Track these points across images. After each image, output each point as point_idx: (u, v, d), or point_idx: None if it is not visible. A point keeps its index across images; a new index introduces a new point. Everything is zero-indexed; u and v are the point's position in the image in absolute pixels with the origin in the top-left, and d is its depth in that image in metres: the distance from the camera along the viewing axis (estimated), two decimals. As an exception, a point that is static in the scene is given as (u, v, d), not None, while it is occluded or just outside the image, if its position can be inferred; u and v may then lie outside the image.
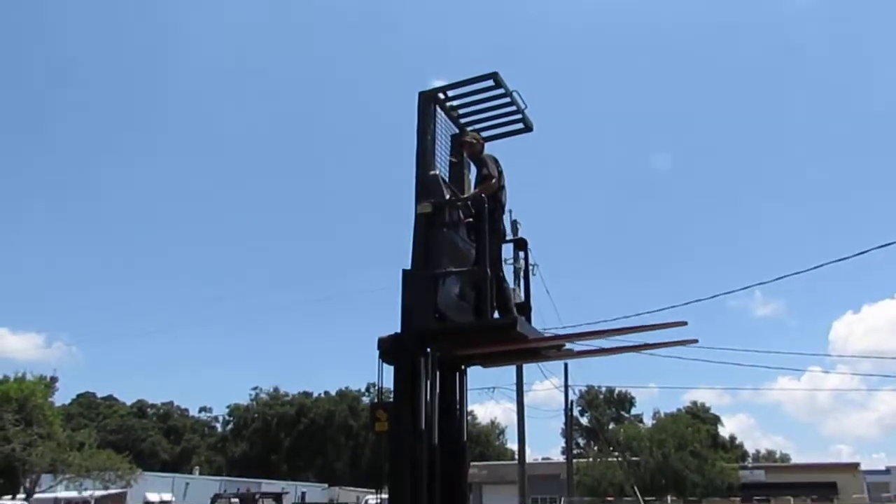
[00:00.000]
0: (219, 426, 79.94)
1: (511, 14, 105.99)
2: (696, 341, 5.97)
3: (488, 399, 52.22)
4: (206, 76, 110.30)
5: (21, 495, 28.84)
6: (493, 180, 5.71)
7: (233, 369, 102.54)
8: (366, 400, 68.78)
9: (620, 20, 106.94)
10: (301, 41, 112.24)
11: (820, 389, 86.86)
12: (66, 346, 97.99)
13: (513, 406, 28.01)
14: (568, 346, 6.17)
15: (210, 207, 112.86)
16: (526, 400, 26.73)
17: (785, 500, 33.19)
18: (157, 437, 69.70)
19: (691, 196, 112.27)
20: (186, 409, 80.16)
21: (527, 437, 27.93)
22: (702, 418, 47.57)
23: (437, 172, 5.66)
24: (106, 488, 33.53)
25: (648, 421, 45.43)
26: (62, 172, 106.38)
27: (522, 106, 6.20)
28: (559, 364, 35.75)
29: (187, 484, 46.58)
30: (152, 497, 41.10)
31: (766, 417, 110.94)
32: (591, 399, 50.18)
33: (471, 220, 5.52)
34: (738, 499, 39.86)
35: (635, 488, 30.94)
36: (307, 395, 75.31)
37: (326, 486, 56.52)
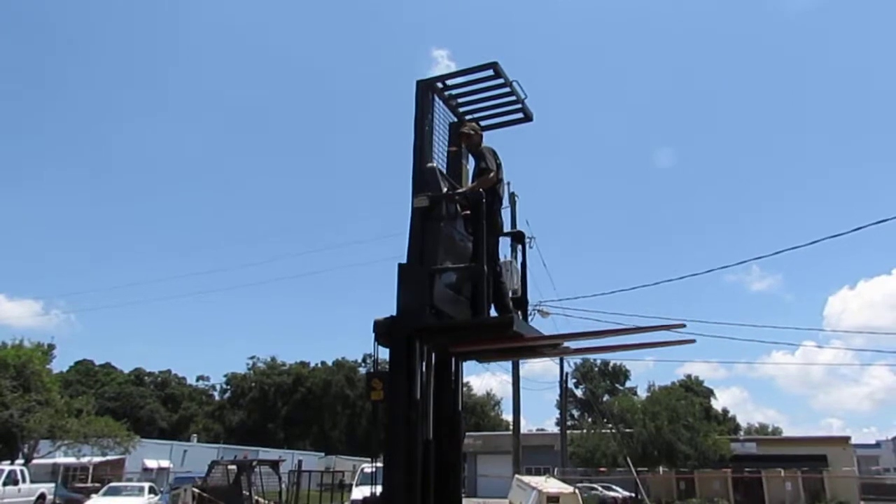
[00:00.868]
0: (216, 395, 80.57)
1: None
2: (693, 341, 5.94)
3: (484, 371, 52.59)
4: (209, 40, 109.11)
5: (20, 461, 29.07)
6: (492, 174, 5.59)
7: (230, 339, 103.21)
8: (362, 370, 69.29)
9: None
10: (304, 8, 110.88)
11: (813, 364, 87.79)
12: (63, 313, 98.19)
13: (508, 378, 28.22)
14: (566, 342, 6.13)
15: (210, 177, 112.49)
16: (521, 372, 26.95)
17: (775, 472, 33.60)
18: (154, 405, 70.16)
19: (690, 173, 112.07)
20: (184, 378, 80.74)
21: (522, 408, 28.19)
22: (695, 391, 48.09)
23: (435, 165, 5.54)
24: (104, 455, 33.81)
25: (643, 394, 45.88)
26: (62, 139, 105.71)
27: (522, 96, 6.08)
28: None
29: (185, 451, 47.03)
30: (150, 463, 41.55)
31: (760, 391, 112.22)
32: (587, 372, 50.59)
33: (468, 212, 5.43)
34: (728, 470, 40.37)
35: (628, 459, 31.29)
36: (304, 364, 75.76)
37: (323, 454, 57.15)
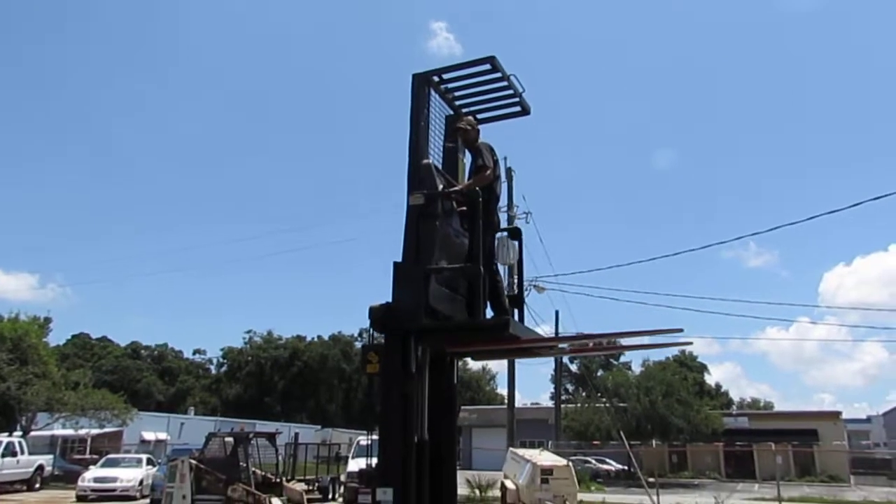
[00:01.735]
0: (213, 368, 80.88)
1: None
2: (690, 343, 5.97)
3: (480, 345, 52.59)
4: (211, 20, 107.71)
5: (17, 433, 29.24)
6: (488, 171, 5.49)
7: (226, 313, 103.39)
8: (358, 345, 69.49)
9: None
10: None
11: (807, 340, 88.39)
12: (59, 287, 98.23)
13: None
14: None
15: (208, 152, 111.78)
16: (517, 346, 27.02)
17: (766, 446, 34.02)
18: (151, 379, 70.44)
19: (688, 150, 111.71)
20: (181, 352, 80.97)
21: (516, 382, 28.39)
22: (689, 366, 48.37)
23: (430, 161, 5.46)
24: (102, 427, 34.01)
25: (637, 369, 46.10)
26: (60, 114, 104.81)
27: (520, 90, 6.00)
28: (550, 312, 36.02)
29: (182, 424, 47.34)
30: (148, 436, 41.83)
31: (753, 366, 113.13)
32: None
33: (464, 208, 5.36)
34: (720, 444, 40.84)
35: (621, 433, 31.55)
36: (301, 338, 75.97)
37: (319, 427, 57.57)
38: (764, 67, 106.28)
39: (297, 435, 31.85)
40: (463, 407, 52.42)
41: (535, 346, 5.76)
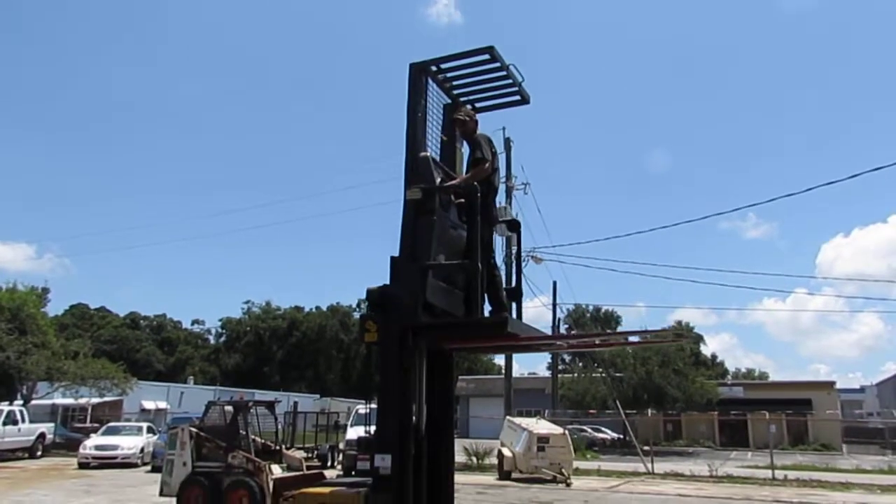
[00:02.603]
0: (211, 338, 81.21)
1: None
2: (685, 338, 5.93)
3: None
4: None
5: (18, 401, 29.45)
6: (486, 164, 5.40)
7: (224, 284, 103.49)
8: (357, 315, 69.71)
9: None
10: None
11: (803, 310, 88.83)
12: (57, 257, 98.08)
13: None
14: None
15: (206, 122, 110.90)
16: (514, 317, 27.14)
17: (761, 415, 34.42)
18: (150, 348, 70.78)
19: (688, 120, 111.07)
20: (179, 322, 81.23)
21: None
22: (685, 337, 48.60)
23: (428, 154, 5.36)
24: (102, 396, 34.26)
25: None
26: (58, 81, 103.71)
27: (519, 79, 5.89)
28: (548, 283, 36.09)
29: (182, 393, 47.69)
30: (148, 405, 42.17)
31: (749, 337, 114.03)
32: (579, 317, 50.97)
33: (462, 200, 5.28)
34: (715, 413, 41.31)
35: (617, 402, 31.91)
36: (299, 309, 76.21)
37: (318, 396, 58.03)
38: (766, 34, 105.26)
39: (296, 404, 32.10)
40: (461, 377, 52.86)
41: (534, 344, 5.72)
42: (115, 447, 23.44)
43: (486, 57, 5.49)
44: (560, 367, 42.87)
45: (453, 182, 5.37)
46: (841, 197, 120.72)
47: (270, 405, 15.26)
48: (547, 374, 49.46)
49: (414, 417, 4.85)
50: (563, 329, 44.75)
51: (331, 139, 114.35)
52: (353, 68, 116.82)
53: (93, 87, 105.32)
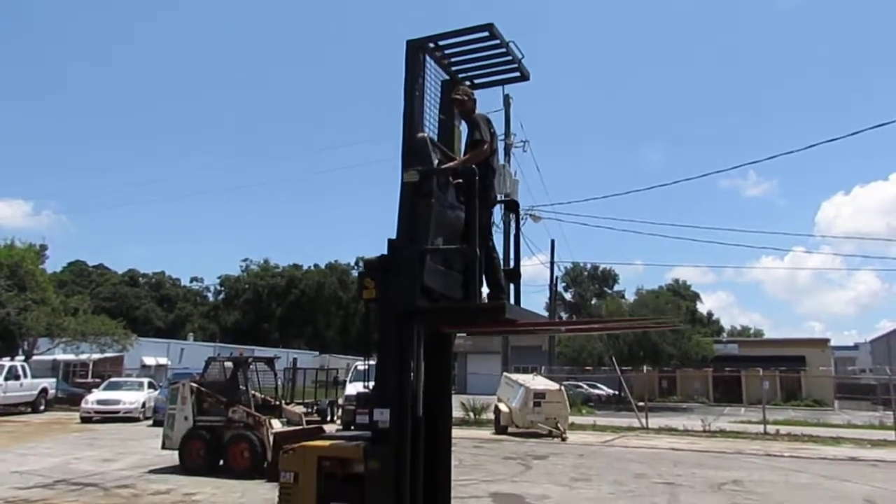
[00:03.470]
0: (210, 296, 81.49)
1: None
2: (677, 327, 5.89)
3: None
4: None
5: (20, 357, 29.70)
6: (485, 146, 5.27)
7: (222, 241, 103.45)
8: (355, 273, 69.92)
9: None
10: None
11: (801, 269, 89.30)
12: (54, 214, 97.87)
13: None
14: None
15: (204, 79, 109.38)
16: (512, 275, 27.19)
17: (755, 371, 34.86)
18: (150, 305, 71.09)
19: (689, 74, 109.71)
20: (178, 279, 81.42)
21: (512, 309, 28.61)
22: (682, 295, 48.94)
23: (426, 134, 5.24)
24: (102, 352, 34.55)
25: (631, 297, 46.66)
26: (56, 37, 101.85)
27: (519, 56, 5.74)
28: (546, 241, 36.20)
29: (182, 349, 48.11)
30: (148, 360, 42.57)
31: (746, 295, 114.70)
32: (576, 276, 51.31)
33: (460, 180, 5.19)
34: (709, 370, 41.82)
35: (613, 359, 32.27)
36: (297, 267, 76.35)
37: (317, 353, 58.60)
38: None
39: (295, 360, 32.44)
40: (458, 334, 53.20)
41: (533, 330, 5.68)
42: (116, 402, 23.76)
43: (486, 34, 5.37)
44: (557, 325, 43.13)
45: (450, 164, 5.28)
46: (842, 154, 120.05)
47: (270, 361, 15.41)
48: (544, 331, 49.78)
49: (412, 374, 4.88)
50: (560, 287, 45.10)
51: (331, 97, 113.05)
52: (354, 20, 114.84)
53: (93, 44, 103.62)
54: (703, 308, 53.06)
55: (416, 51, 5.27)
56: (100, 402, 23.71)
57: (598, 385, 41.45)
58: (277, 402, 14.51)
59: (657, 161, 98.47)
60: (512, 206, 6.00)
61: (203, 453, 12.28)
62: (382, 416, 4.58)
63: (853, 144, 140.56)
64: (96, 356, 35.67)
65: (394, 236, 4.94)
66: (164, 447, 12.87)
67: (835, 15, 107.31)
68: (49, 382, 27.81)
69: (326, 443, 4.94)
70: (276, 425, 12.51)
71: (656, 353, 37.84)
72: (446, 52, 5.65)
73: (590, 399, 37.17)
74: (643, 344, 37.53)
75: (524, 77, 6.02)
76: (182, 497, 9.87)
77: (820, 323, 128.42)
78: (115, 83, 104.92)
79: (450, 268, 5.17)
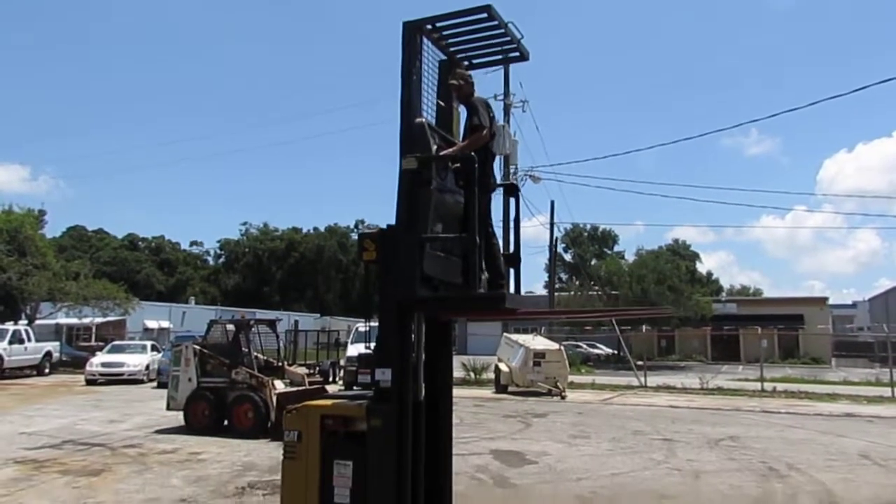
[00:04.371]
0: (210, 260, 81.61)
1: None
2: (670, 315, 5.86)
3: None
4: None
5: (23, 321, 29.89)
6: (484, 131, 5.18)
7: (221, 205, 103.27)
8: (355, 236, 69.91)
9: None
10: None
11: (801, 227, 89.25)
12: (52, 178, 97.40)
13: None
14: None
15: (203, 43, 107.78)
16: (512, 236, 27.21)
17: (753, 329, 35.16)
18: (150, 269, 71.19)
19: (688, 34, 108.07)
20: (178, 243, 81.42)
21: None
22: (682, 255, 48.92)
23: (424, 120, 5.13)
24: (105, 316, 34.77)
25: (630, 258, 46.70)
26: (51, 4, 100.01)
27: (518, 36, 5.61)
28: (546, 202, 36.09)
29: (184, 312, 48.35)
30: (151, 324, 42.87)
31: (746, 254, 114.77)
32: (576, 237, 51.22)
33: (458, 165, 5.10)
34: (708, 328, 42.14)
35: (612, 319, 32.46)
36: (297, 230, 76.32)
37: (318, 315, 58.94)
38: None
39: (296, 322, 32.67)
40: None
41: (532, 318, 5.65)
42: (121, 364, 23.99)
43: (484, 16, 5.26)
44: (557, 286, 43.37)
45: (449, 151, 5.21)
46: (846, 111, 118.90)
47: (271, 323, 15.52)
48: (544, 292, 50.04)
49: (413, 335, 4.91)
50: (560, 248, 45.11)
51: (329, 60, 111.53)
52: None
53: (90, 8, 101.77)
54: (702, 268, 53.14)
55: (414, 32, 5.16)
56: (104, 364, 23.94)
57: (598, 345, 41.79)
58: (280, 364, 14.66)
59: (659, 118, 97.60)
60: (511, 190, 5.95)
61: (207, 414, 12.45)
62: (384, 375, 4.63)
63: (858, 101, 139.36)
64: (99, 320, 35.90)
65: (391, 209, 4.93)
66: (169, 408, 13.04)
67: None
68: (53, 346, 28.04)
69: (329, 402, 4.99)
70: (279, 386, 12.67)
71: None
72: (444, 33, 5.54)
73: (589, 358, 37.53)
74: (643, 304, 37.70)
75: (524, 57, 5.94)
76: (188, 456, 10.03)
77: (819, 282, 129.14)
78: (112, 46, 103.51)
79: (449, 253, 5.16)
